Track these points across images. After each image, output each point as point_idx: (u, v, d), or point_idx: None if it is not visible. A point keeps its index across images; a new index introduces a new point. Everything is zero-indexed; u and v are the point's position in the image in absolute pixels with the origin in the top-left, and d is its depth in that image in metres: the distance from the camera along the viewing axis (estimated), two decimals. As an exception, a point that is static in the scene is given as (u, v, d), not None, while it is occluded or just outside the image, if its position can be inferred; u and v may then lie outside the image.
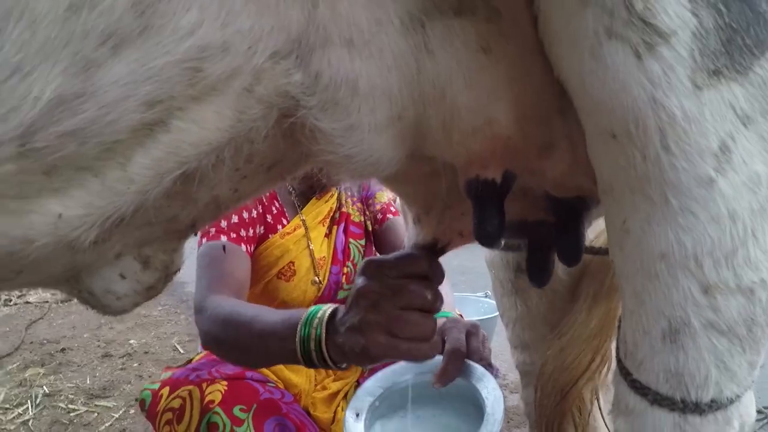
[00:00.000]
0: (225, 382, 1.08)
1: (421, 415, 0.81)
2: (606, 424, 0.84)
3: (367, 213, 1.47)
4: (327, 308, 0.74)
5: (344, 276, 1.37)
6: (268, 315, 0.85)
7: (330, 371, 1.34)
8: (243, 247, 1.21)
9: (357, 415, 0.77)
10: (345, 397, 1.29)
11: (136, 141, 0.41)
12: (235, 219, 1.23)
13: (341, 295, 1.36)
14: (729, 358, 0.47)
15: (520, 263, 0.86)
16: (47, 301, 4.42)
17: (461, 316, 1.12)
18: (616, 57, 0.41)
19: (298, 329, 0.74)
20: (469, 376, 0.79)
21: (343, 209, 1.42)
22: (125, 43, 0.38)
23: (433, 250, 0.71)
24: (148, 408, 1.10)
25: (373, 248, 1.46)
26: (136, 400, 2.42)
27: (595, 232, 0.86)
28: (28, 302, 4.52)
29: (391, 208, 1.44)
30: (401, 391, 0.82)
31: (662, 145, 0.42)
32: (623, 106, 0.42)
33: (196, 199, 0.54)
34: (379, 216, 1.44)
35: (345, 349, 0.69)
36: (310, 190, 1.36)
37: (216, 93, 0.42)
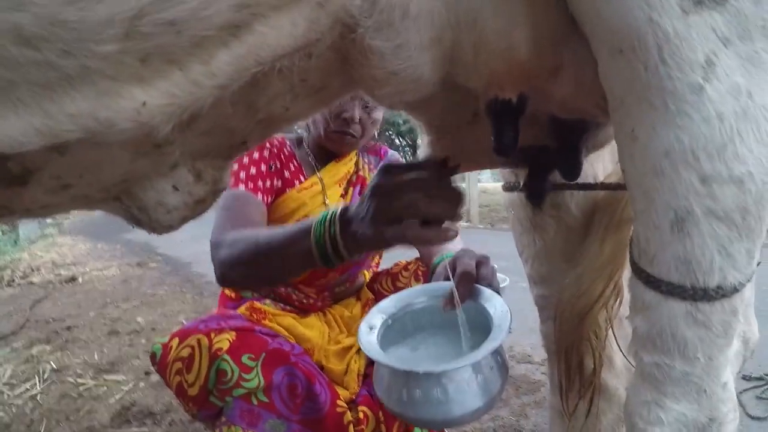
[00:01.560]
0: (233, 332, 1.07)
1: (430, 337, 0.86)
2: (621, 349, 0.89)
3: None
4: (337, 208, 0.82)
5: None
6: (283, 228, 0.91)
7: (343, 327, 1.39)
8: (260, 196, 1.26)
9: (371, 328, 0.82)
10: (358, 351, 1.32)
11: (222, 40, 0.47)
12: (253, 171, 1.28)
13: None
14: (729, 244, 0.54)
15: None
16: (51, 282, 4.41)
17: None
18: None
19: (313, 227, 0.81)
20: (477, 297, 0.84)
21: (360, 173, 1.46)
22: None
23: (444, 165, 0.77)
24: (159, 361, 1.09)
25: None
26: (146, 373, 2.44)
27: (605, 172, 0.92)
28: (32, 282, 4.52)
29: None
30: (413, 313, 0.88)
31: (660, 57, 0.51)
32: (628, 25, 0.52)
33: (255, 110, 0.59)
34: None
35: (358, 237, 0.76)
36: (330, 155, 1.40)
37: (294, 4, 0.49)
